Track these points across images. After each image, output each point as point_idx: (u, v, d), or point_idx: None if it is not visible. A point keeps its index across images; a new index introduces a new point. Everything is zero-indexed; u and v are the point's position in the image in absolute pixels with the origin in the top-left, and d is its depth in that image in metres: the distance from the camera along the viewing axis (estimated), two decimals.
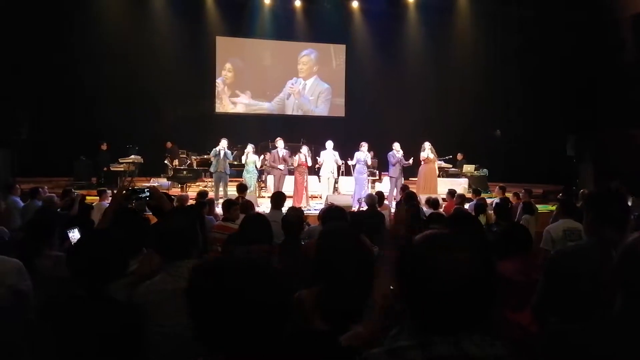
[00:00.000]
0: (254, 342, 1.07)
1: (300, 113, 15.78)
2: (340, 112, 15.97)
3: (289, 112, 15.76)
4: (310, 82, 15.87)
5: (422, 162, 10.62)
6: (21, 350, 2.15)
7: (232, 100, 15.52)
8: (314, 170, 10.63)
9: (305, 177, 9.98)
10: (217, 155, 9.97)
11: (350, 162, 10.33)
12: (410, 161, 10.36)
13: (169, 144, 13.34)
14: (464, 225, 2.86)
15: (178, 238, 1.99)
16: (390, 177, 10.43)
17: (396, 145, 10.33)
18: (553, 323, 1.92)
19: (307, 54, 15.80)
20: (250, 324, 1.05)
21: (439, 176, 11.62)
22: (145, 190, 3.07)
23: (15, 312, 2.28)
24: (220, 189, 10.06)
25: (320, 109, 15.94)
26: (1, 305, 2.27)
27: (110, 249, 1.87)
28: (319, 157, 10.35)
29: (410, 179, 11.30)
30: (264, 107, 15.72)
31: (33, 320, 2.12)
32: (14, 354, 2.18)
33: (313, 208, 9.59)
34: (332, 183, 10.33)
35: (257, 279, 1.09)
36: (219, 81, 15.36)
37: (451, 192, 7.98)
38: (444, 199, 8.00)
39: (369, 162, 10.46)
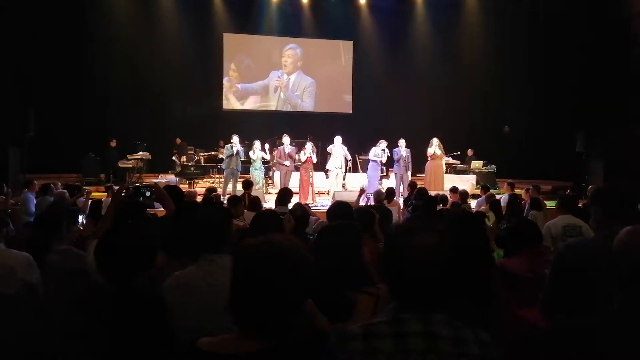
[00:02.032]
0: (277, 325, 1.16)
1: (288, 108, 15.72)
2: (348, 109, 15.94)
3: (274, 105, 15.67)
4: (293, 77, 15.78)
5: (430, 159, 10.58)
6: (30, 341, 2.17)
7: (239, 96, 15.54)
8: (320, 167, 10.63)
9: (310, 173, 9.99)
10: (232, 154, 9.97)
11: (371, 157, 10.24)
12: (405, 153, 10.21)
13: (177, 141, 13.40)
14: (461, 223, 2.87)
15: (215, 232, 1.94)
16: (395, 173, 10.43)
17: (401, 142, 10.31)
18: (559, 319, 1.91)
19: (292, 49, 15.70)
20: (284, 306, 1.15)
21: (447, 172, 11.59)
22: (147, 188, 3.07)
23: (25, 303, 2.31)
24: (230, 185, 10.09)
25: (307, 104, 15.88)
26: (12, 297, 2.30)
27: (140, 242, 1.85)
28: (330, 152, 10.35)
29: (417, 175, 11.27)
30: (270, 103, 15.73)
31: (45, 312, 2.14)
32: (24, 345, 2.21)
33: (320, 204, 9.59)
34: (340, 179, 10.32)
35: (288, 265, 1.17)
36: (225, 80, 15.38)
37: (453, 189, 7.99)
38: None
39: (384, 160, 10.43)
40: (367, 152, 10.66)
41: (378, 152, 10.12)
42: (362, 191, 6.63)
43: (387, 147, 10.29)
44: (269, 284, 1.15)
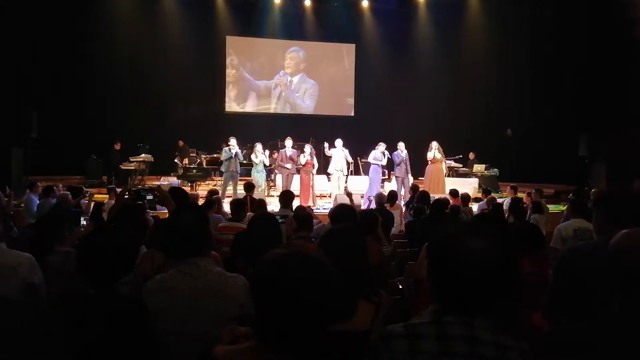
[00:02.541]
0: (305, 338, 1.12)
1: (288, 108, 15.74)
2: (350, 112, 15.96)
3: (275, 106, 15.69)
4: (296, 78, 15.81)
5: (430, 162, 10.57)
6: (30, 342, 2.16)
7: (240, 99, 15.56)
8: (322, 169, 10.62)
9: (311, 176, 9.99)
10: (230, 156, 10.00)
11: (371, 160, 10.24)
12: (404, 156, 10.19)
13: (180, 143, 13.42)
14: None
15: (192, 234, 1.92)
16: (396, 176, 10.42)
17: (401, 145, 10.31)
18: (561, 323, 1.90)
19: (295, 51, 15.75)
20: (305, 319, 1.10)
21: (448, 176, 11.57)
22: (148, 192, 3.09)
23: (26, 304, 2.31)
24: (230, 187, 10.09)
25: (307, 105, 15.87)
26: (14, 297, 2.30)
27: (119, 245, 1.84)
28: (330, 155, 10.35)
29: (419, 178, 11.26)
30: (273, 106, 15.75)
31: (43, 314, 2.13)
32: (24, 346, 2.20)
33: (322, 207, 9.59)
34: (342, 181, 10.31)
35: (319, 274, 1.14)
36: (227, 83, 15.41)
37: (453, 193, 7.99)
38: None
39: (384, 163, 10.43)
40: (368, 155, 10.66)
41: (378, 155, 10.12)
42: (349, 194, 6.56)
43: (387, 150, 10.30)
44: (296, 296, 1.11)
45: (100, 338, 1.67)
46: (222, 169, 10.33)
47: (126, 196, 3.50)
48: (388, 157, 10.31)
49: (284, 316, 1.10)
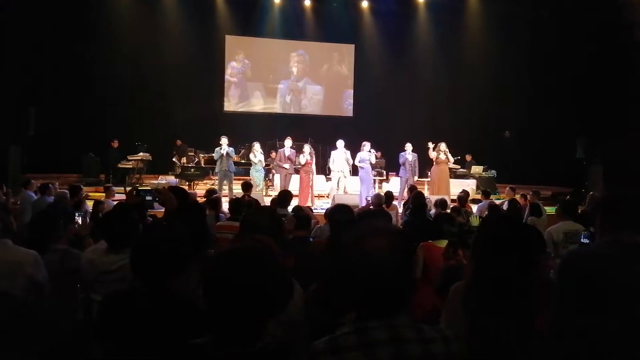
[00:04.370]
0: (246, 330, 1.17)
1: (292, 110, 15.75)
2: (349, 112, 15.95)
3: (277, 108, 15.70)
4: (301, 82, 15.83)
5: (435, 163, 10.54)
6: (35, 340, 2.15)
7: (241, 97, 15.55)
8: (321, 170, 10.59)
9: (310, 176, 9.97)
10: (221, 156, 9.98)
11: (357, 163, 10.25)
12: (411, 157, 10.23)
13: (178, 142, 13.39)
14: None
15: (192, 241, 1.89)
16: (401, 177, 10.43)
17: (408, 146, 10.33)
18: (562, 325, 1.89)
19: (301, 54, 15.75)
20: (244, 312, 1.16)
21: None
22: (147, 192, 3.08)
23: (31, 301, 2.30)
24: (225, 187, 10.07)
25: (310, 109, 15.90)
26: (20, 294, 2.30)
27: (174, 243, 1.80)
28: (329, 156, 10.32)
29: (424, 179, 11.27)
30: (272, 106, 15.75)
31: (49, 311, 2.12)
32: (29, 343, 2.19)
33: (320, 207, 9.57)
34: (343, 183, 10.22)
35: (256, 269, 1.19)
36: (226, 82, 15.39)
37: (461, 199, 7.92)
38: (453, 200, 7.97)
39: (373, 161, 10.41)
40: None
41: (364, 155, 10.04)
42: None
43: (388, 150, 10.29)
44: (241, 289, 1.16)
45: (155, 338, 1.64)
46: (215, 169, 10.32)
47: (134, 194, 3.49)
48: (375, 155, 10.26)
49: (231, 307, 1.16)
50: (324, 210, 7.71)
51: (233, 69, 15.45)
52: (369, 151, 10.06)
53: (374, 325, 1.17)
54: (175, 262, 1.79)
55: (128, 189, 9.33)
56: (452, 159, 10.82)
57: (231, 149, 10.17)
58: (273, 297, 1.20)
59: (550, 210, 7.44)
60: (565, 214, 4.26)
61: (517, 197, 8.02)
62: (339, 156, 10.06)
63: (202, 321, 1.70)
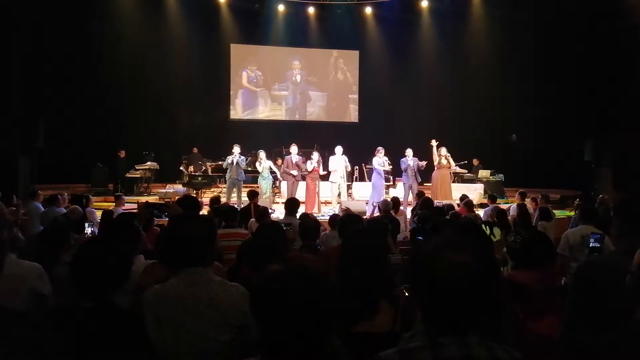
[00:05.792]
0: (306, 346, 1.17)
1: (297, 117, 15.82)
2: (354, 118, 15.98)
3: (282, 115, 15.76)
4: (306, 89, 15.88)
5: (436, 168, 10.53)
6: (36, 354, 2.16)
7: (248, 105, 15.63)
8: (327, 176, 10.59)
9: (317, 183, 9.97)
10: (230, 164, 10.02)
11: (376, 166, 10.20)
12: (424, 163, 10.27)
13: (194, 150, 13.32)
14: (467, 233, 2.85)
15: (193, 243, 1.88)
16: (404, 182, 10.40)
17: (408, 152, 10.30)
18: (573, 334, 1.87)
19: (305, 62, 15.81)
20: (307, 328, 1.17)
21: (454, 181, 11.52)
22: (154, 207, 3.09)
23: (34, 315, 2.31)
24: (234, 195, 10.09)
25: (318, 115, 15.94)
26: (22, 308, 2.31)
27: (112, 255, 1.80)
28: (329, 163, 10.33)
29: (425, 184, 11.23)
30: (277, 113, 15.80)
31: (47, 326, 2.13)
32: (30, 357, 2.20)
33: (327, 214, 9.56)
34: (343, 188, 10.26)
35: (319, 286, 1.21)
36: (232, 90, 15.47)
37: (462, 198, 7.93)
38: (458, 205, 7.94)
39: (387, 168, 10.40)
40: (371, 160, 10.65)
41: (381, 160, 10.09)
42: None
43: (390, 155, 10.29)
44: (297, 308, 1.16)
45: (97, 351, 1.65)
46: (226, 176, 10.37)
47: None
48: (388, 163, 10.29)
49: (287, 327, 1.16)
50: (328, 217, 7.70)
51: (238, 77, 15.51)
52: (382, 158, 10.06)
53: (448, 341, 1.15)
54: (117, 274, 1.80)
55: (139, 199, 9.42)
56: (453, 163, 10.80)
57: (242, 157, 10.18)
58: (328, 313, 1.20)
59: (559, 213, 7.39)
60: (585, 218, 4.27)
61: (528, 201, 7.98)
62: (338, 162, 10.02)
63: (146, 334, 1.74)
